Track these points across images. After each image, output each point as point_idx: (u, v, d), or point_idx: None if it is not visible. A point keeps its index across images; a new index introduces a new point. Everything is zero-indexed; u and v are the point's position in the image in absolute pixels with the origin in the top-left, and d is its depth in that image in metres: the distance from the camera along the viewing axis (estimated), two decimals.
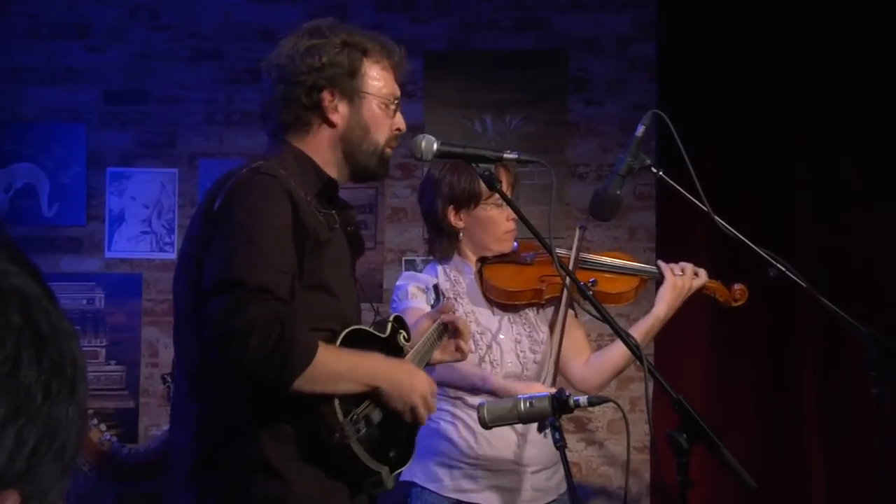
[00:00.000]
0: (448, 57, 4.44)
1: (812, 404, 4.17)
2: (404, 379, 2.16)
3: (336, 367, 2.07)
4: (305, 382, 2.02)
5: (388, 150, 2.31)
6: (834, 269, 4.08)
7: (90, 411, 4.02)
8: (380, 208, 4.39)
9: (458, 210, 2.93)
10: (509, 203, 2.51)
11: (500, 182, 2.64)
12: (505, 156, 2.35)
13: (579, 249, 2.97)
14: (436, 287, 2.58)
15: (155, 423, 4.30)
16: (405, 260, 4.34)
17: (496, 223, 2.95)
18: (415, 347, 2.33)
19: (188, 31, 4.45)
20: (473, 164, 2.36)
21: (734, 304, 3.06)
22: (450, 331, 2.44)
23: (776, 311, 4.14)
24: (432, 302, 2.53)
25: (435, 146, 2.33)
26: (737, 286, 3.05)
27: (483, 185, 2.70)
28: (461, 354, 2.47)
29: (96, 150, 4.42)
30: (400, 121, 2.32)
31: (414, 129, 4.35)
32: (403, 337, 2.30)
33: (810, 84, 4.26)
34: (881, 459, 2.56)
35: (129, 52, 4.44)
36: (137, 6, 4.46)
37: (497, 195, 2.69)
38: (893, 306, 4.04)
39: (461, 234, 2.96)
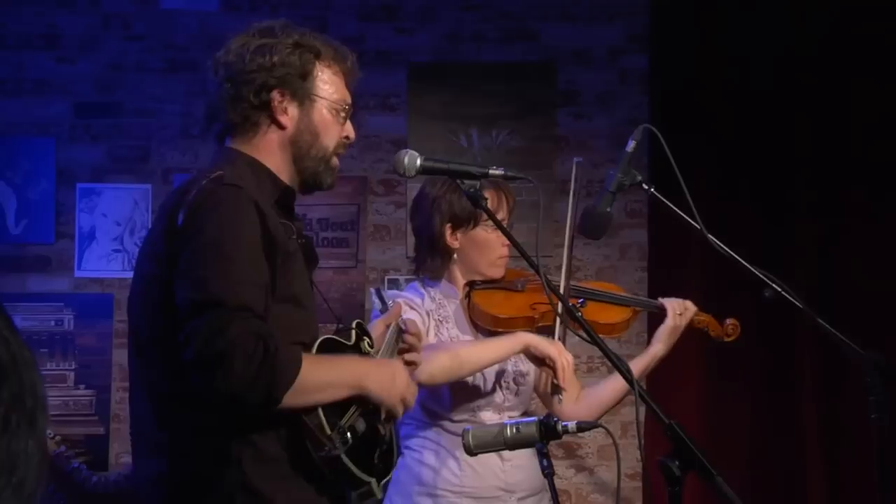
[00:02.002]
0: (433, 69, 4.40)
1: (812, 429, 4.15)
2: (385, 373, 2.16)
3: (322, 375, 2.05)
4: (292, 396, 1.99)
5: (335, 159, 2.27)
6: (833, 286, 4.10)
7: (58, 437, 3.92)
8: (361, 226, 4.34)
9: (455, 229, 2.90)
10: (496, 223, 2.47)
11: (486, 198, 2.58)
12: (491, 172, 2.30)
13: (578, 190, 2.95)
14: (378, 293, 2.56)
15: (126, 449, 4.21)
16: (388, 279, 4.25)
17: (492, 247, 2.91)
18: (379, 352, 2.32)
19: (162, 42, 4.43)
20: (458, 181, 2.32)
21: (727, 340, 3.08)
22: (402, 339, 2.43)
23: (773, 331, 4.13)
24: (380, 307, 2.51)
25: (418, 162, 2.28)
26: (729, 321, 3.06)
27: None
28: (412, 366, 2.42)
29: (66, 165, 4.37)
30: (350, 129, 2.28)
31: (397, 143, 4.34)
32: (367, 343, 2.29)
33: (805, 96, 4.25)
34: (882, 485, 2.51)
35: (100, 63, 4.40)
36: (109, 16, 4.42)
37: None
38: (894, 319, 4.03)
39: (454, 256, 2.93)
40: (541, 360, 2.79)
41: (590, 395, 2.99)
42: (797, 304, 2.49)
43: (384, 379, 2.13)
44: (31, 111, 4.36)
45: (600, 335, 2.86)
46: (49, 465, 2.84)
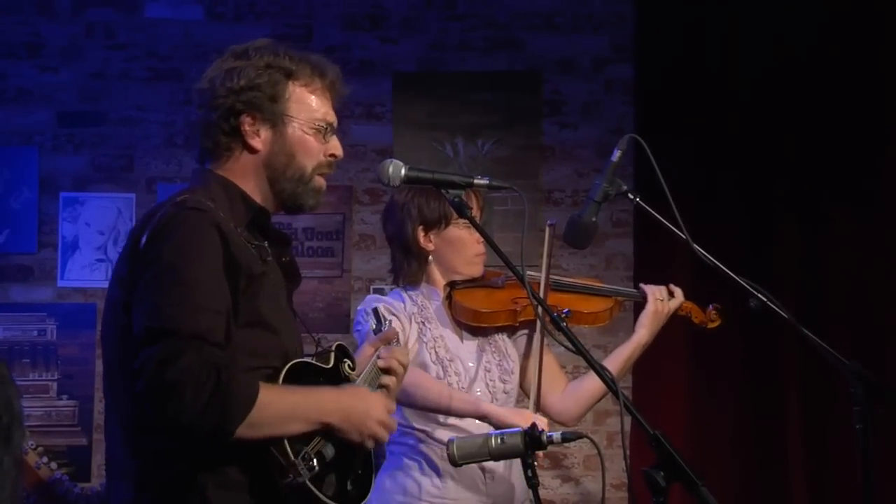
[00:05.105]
0: (417, 78, 4.39)
1: (796, 440, 4.15)
2: (357, 406, 2.08)
3: (280, 408, 1.98)
4: (249, 429, 1.93)
5: (320, 180, 2.22)
6: (818, 295, 4.10)
7: (40, 448, 3.88)
8: (346, 235, 4.33)
9: (427, 231, 2.90)
10: (479, 229, 2.47)
11: (470, 208, 2.57)
12: (475, 181, 2.29)
13: (550, 250, 2.93)
14: (375, 311, 2.53)
15: None
16: (373, 288, 4.24)
17: (466, 244, 2.91)
18: (361, 376, 2.24)
19: (145, 51, 4.41)
20: (443, 191, 2.30)
21: (710, 326, 3.05)
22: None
23: (758, 341, 4.12)
24: (374, 327, 2.47)
25: (403, 171, 2.26)
26: (712, 307, 3.05)
27: None
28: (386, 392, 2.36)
29: (49, 174, 4.34)
30: (335, 146, 2.23)
31: (383, 152, 4.33)
32: (348, 366, 2.21)
33: (789, 105, 4.25)
34: (866, 496, 2.49)
35: (83, 72, 4.38)
36: (93, 24, 4.40)
37: None
38: (878, 329, 4.05)
39: (430, 258, 2.93)
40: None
41: (576, 388, 2.98)
42: (782, 314, 2.48)
43: (355, 413, 2.05)
44: (13, 120, 4.34)
45: (584, 325, 2.86)
46: (31, 480, 2.77)
